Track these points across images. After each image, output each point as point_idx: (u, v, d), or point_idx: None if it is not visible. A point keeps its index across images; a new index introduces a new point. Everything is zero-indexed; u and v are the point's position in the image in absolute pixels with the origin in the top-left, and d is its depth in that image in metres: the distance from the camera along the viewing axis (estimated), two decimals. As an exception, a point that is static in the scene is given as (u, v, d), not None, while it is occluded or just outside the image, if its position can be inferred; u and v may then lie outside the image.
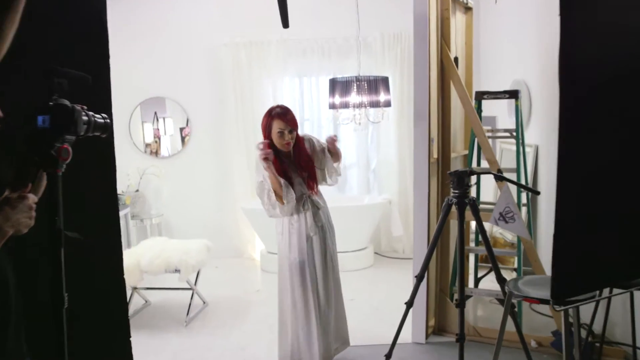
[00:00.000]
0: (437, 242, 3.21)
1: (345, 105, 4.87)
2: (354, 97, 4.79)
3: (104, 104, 2.02)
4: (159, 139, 6.63)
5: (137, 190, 6.39)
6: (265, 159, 3.28)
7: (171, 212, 6.61)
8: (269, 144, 3.36)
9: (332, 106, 5.02)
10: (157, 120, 6.60)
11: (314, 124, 6.55)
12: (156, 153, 6.65)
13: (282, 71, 6.40)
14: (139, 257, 4.42)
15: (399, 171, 6.51)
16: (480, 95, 4.24)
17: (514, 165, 4.25)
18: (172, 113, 6.59)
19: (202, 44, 6.44)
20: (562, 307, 2.04)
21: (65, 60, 1.79)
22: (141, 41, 6.40)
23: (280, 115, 3.33)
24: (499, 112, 5.55)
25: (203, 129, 6.61)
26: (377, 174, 6.70)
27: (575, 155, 1.94)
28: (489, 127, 4.70)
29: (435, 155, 3.94)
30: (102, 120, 1.77)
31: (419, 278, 3.24)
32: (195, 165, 6.61)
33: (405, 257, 6.37)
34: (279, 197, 3.34)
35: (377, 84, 4.78)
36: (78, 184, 1.87)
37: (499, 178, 3.28)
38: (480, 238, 4.82)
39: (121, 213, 5.44)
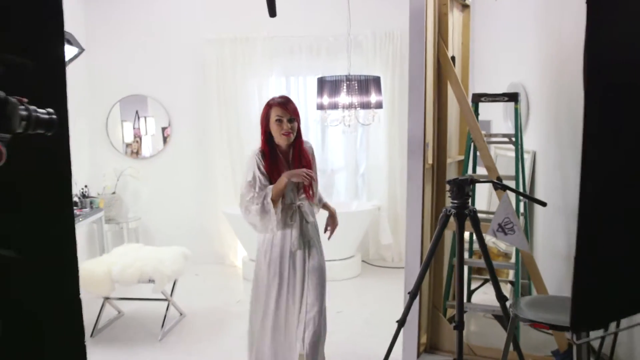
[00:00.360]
0: (432, 257, 2.94)
1: (334, 106, 4.60)
2: (343, 98, 4.52)
3: (56, 96, 1.72)
4: (140, 138, 6.32)
5: (114, 193, 6.07)
6: (305, 178, 3.07)
7: (150, 215, 6.30)
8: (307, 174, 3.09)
9: (320, 107, 4.75)
10: (139, 119, 6.29)
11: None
12: (137, 153, 6.34)
13: (268, 70, 6.12)
14: (111, 265, 4.10)
15: (388, 176, 6.25)
16: (478, 98, 3.99)
17: (510, 172, 4.01)
18: (153, 112, 6.28)
19: (185, 39, 6.14)
20: (583, 340, 1.78)
21: (3, 43, 1.50)
22: (121, 36, 6.10)
23: (280, 104, 3.07)
24: (494, 117, 5.32)
25: (184, 129, 6.31)
26: (365, 178, 6.44)
27: (601, 158, 1.68)
28: (484, 132, 4.46)
29: (430, 161, 3.68)
30: (46, 116, 1.48)
31: (412, 295, 2.97)
32: (175, 167, 6.31)
33: (394, 266, 6.11)
34: (275, 205, 3.03)
35: (368, 84, 4.52)
36: (21, 191, 1.59)
37: (501, 187, 3.03)
38: (476, 249, 4.58)
39: (94, 217, 5.13)
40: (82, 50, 4.81)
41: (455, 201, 2.76)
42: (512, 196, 3.43)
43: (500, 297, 2.85)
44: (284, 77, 6.27)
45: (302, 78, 6.27)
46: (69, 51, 4.63)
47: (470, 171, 4.33)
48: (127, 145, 6.31)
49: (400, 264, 6.22)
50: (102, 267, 4.08)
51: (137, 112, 6.27)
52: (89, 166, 6.12)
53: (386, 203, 6.21)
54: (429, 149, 3.64)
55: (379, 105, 4.65)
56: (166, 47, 6.14)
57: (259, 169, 3.05)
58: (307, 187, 3.15)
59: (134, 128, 6.29)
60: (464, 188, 2.75)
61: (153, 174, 6.26)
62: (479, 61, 5.78)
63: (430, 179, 3.73)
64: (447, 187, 2.79)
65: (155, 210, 6.30)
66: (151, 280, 4.07)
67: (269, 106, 3.09)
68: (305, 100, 6.24)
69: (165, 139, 6.31)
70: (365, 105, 4.56)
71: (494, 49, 5.58)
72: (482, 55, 5.74)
